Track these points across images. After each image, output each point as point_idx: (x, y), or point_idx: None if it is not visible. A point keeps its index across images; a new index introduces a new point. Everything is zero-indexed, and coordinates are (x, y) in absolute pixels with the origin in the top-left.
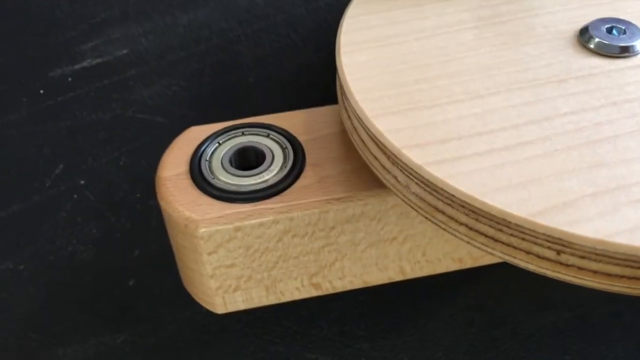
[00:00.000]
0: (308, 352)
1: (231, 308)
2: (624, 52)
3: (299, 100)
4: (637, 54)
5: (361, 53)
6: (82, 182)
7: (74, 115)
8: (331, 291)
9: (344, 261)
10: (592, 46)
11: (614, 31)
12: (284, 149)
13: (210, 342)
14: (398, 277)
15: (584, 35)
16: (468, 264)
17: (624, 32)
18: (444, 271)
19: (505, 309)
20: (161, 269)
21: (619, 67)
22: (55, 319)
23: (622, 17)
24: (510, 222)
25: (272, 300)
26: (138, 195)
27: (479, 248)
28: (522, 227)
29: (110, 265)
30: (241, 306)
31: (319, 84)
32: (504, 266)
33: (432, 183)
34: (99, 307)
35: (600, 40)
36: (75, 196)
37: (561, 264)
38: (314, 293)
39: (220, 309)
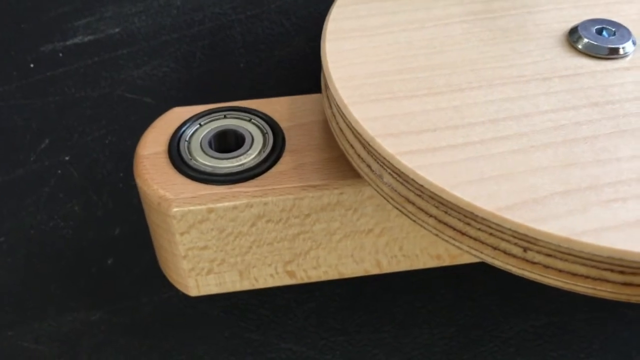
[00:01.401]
0: (282, 342)
1: (204, 291)
2: (612, 53)
3: (288, 88)
4: (625, 56)
5: (346, 41)
6: (66, 158)
7: (63, 91)
8: (306, 280)
9: (319, 250)
10: (580, 46)
11: (604, 32)
12: (264, 134)
13: (185, 326)
14: (374, 271)
15: (573, 35)
16: (446, 261)
17: (614, 34)
18: (422, 267)
19: (485, 311)
20: (140, 249)
21: (605, 68)
22: (32, 292)
23: (615, 19)
24: (477, 215)
25: (246, 285)
26: (121, 174)
27: (447, 241)
28: (489, 221)
29: (89, 242)
30: (214, 290)
31: (310, 73)
32: (484, 267)
33: (403, 173)
34: (76, 284)
35: (588, 40)
36: (59, 172)
37: (527, 261)
38: (289, 281)
39: (193, 292)
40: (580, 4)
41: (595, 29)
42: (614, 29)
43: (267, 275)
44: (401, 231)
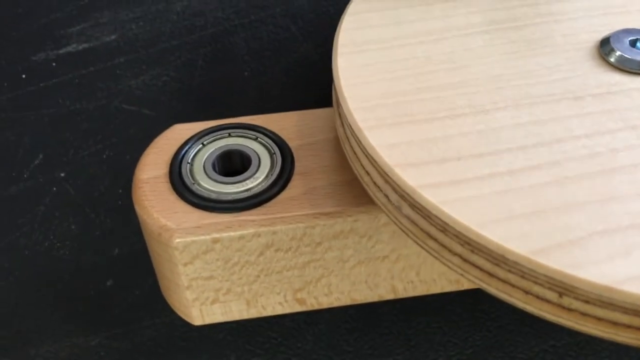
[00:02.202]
0: None
1: (209, 320)
2: None
3: (296, 97)
4: None
5: (360, 55)
6: (62, 174)
7: (57, 103)
8: (317, 307)
9: (330, 277)
10: (612, 60)
11: (638, 44)
12: (272, 155)
13: (189, 350)
14: (389, 296)
15: (604, 47)
16: (465, 285)
17: None
18: (439, 292)
19: (503, 331)
20: (141, 270)
21: None
22: (28, 317)
23: None
24: (508, 258)
25: (253, 314)
26: (120, 191)
27: (472, 282)
28: (521, 265)
29: (87, 263)
30: (220, 319)
31: (319, 81)
32: None
33: (425, 208)
34: (74, 307)
35: (621, 54)
36: (55, 189)
37: (563, 307)
38: (298, 308)
39: (197, 321)
40: (610, 11)
41: (629, 41)
42: None
43: (276, 303)
44: (418, 257)
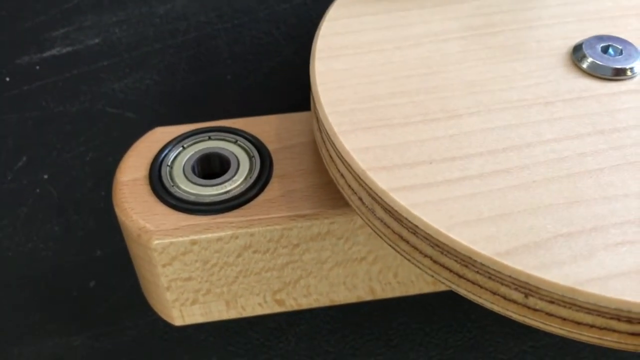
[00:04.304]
0: None
1: (189, 321)
2: (618, 74)
3: (278, 101)
4: (633, 77)
5: (337, 60)
6: (45, 176)
7: (41, 106)
8: (296, 308)
9: (309, 279)
10: (584, 66)
11: (610, 50)
12: (250, 158)
13: (172, 351)
14: (368, 297)
15: (577, 53)
16: (442, 286)
17: (620, 53)
18: (418, 293)
19: (483, 332)
20: (123, 271)
21: (611, 91)
22: (11, 317)
23: (622, 34)
24: (475, 260)
25: (233, 314)
26: (102, 192)
27: (443, 283)
28: (488, 266)
29: (70, 264)
30: (200, 319)
31: (300, 84)
32: None
33: (396, 211)
34: (57, 308)
35: (593, 60)
36: (38, 191)
37: (528, 308)
38: (278, 309)
39: (177, 321)
40: (585, 18)
41: (601, 47)
42: (620, 47)
43: (255, 304)
44: (395, 259)
